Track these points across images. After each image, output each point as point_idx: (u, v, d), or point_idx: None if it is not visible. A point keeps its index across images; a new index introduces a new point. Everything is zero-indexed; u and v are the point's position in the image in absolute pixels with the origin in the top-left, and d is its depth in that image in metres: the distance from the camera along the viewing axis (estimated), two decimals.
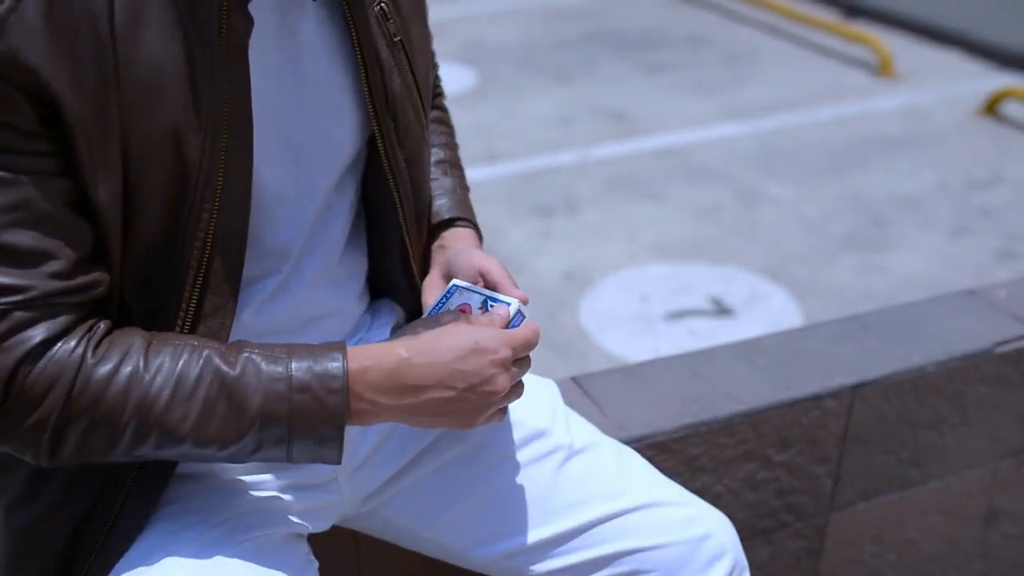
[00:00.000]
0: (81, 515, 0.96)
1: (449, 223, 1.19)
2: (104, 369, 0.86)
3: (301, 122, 0.97)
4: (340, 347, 0.92)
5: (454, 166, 1.26)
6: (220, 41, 0.88)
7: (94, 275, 0.88)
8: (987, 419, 1.71)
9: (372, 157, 1.07)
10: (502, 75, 5.59)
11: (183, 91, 0.86)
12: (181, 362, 0.88)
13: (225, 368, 0.88)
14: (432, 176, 1.23)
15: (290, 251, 1.01)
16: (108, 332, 0.89)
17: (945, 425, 1.67)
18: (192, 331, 0.93)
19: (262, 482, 1.06)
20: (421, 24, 1.08)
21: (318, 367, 0.89)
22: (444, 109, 1.31)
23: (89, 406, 0.85)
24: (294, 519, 1.07)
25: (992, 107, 5.02)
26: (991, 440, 1.73)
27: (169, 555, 0.95)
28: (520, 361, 0.97)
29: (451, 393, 0.93)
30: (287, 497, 1.07)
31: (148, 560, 0.95)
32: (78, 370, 0.85)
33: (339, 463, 0.93)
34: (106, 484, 0.96)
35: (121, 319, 0.93)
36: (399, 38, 1.02)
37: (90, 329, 0.88)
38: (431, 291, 1.13)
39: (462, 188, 1.25)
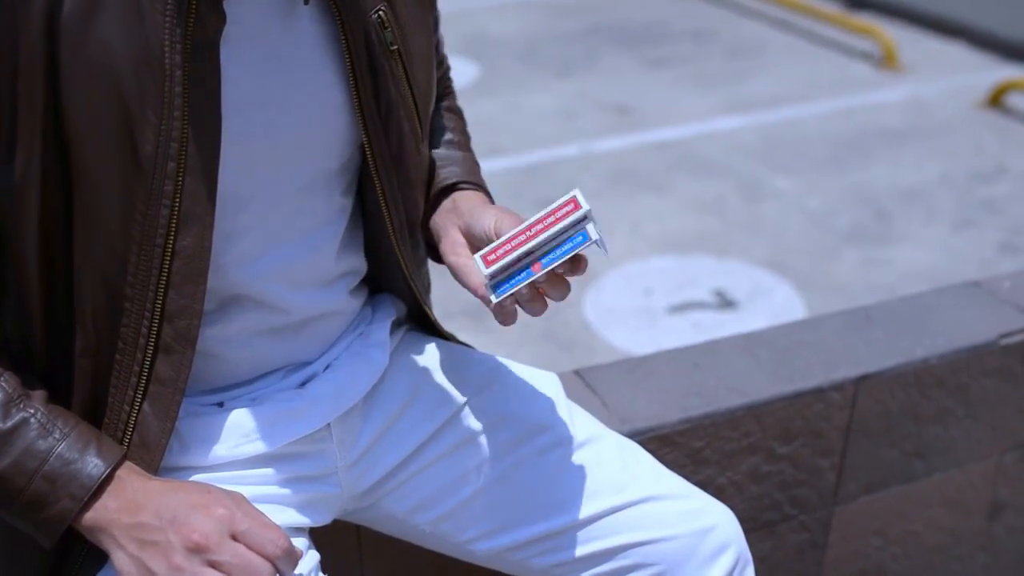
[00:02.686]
0: None
1: (454, 187, 1.16)
2: None
3: (283, 123, 0.96)
4: (115, 456, 0.90)
5: (465, 147, 1.24)
6: (187, 35, 0.86)
7: None
8: (991, 411, 1.70)
9: (365, 162, 1.05)
10: (505, 69, 5.58)
11: (137, 81, 0.85)
12: None
13: None
14: (439, 152, 1.20)
15: (279, 256, 1.00)
16: None
17: (949, 418, 1.66)
18: (159, 333, 0.92)
19: (261, 475, 1.05)
20: (424, 35, 1.06)
21: (76, 465, 0.89)
22: (456, 102, 1.30)
23: None
24: (294, 512, 1.06)
25: (996, 99, 5.00)
26: (995, 433, 1.73)
27: None
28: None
29: (141, 531, 0.89)
30: (286, 490, 1.06)
31: None
32: None
33: (48, 547, 0.92)
34: None
35: (73, 324, 0.93)
36: (396, 47, 1.00)
37: None
38: (456, 253, 1.07)
39: (473, 162, 1.22)
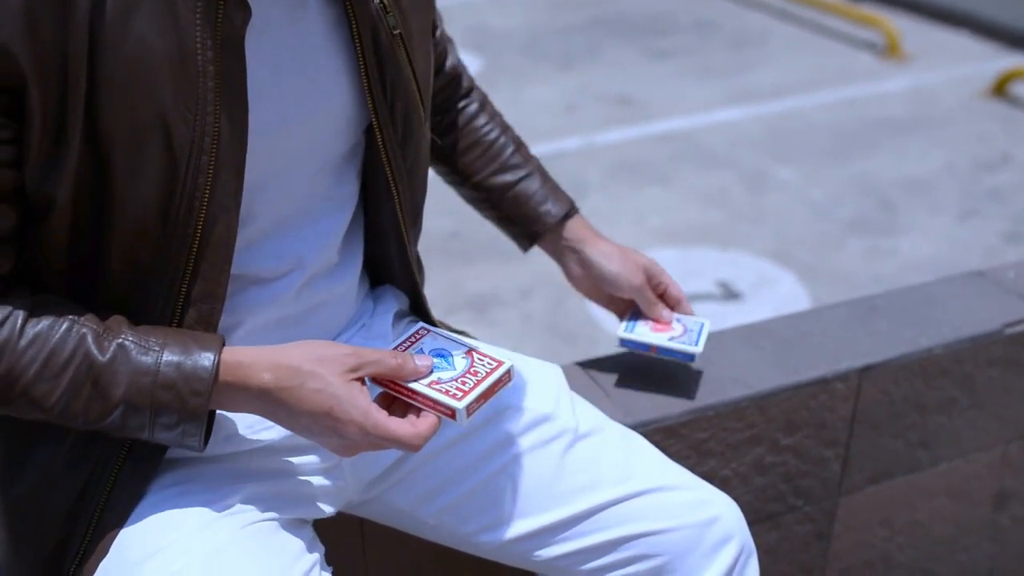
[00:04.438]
0: (74, 494, 0.97)
1: (564, 220, 1.37)
2: None
3: (298, 111, 0.98)
4: (216, 344, 0.92)
5: (529, 159, 1.38)
6: (216, 31, 0.88)
7: None
8: (996, 401, 1.70)
9: (370, 147, 1.07)
10: (507, 61, 5.57)
11: (173, 79, 0.87)
12: (56, 337, 0.89)
13: (95, 352, 0.90)
14: (512, 162, 1.35)
15: (286, 239, 1.01)
16: None
17: (954, 407, 1.66)
18: (183, 316, 0.95)
19: (266, 466, 1.06)
20: (422, 18, 1.09)
21: (187, 364, 0.90)
22: (482, 92, 1.39)
23: None
24: (298, 504, 1.07)
25: (1000, 88, 4.99)
26: (1000, 422, 1.73)
27: (171, 540, 0.95)
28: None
29: (305, 432, 0.94)
30: (291, 482, 1.07)
31: (149, 544, 0.95)
32: None
33: (202, 451, 0.95)
34: (96, 464, 0.97)
35: (108, 302, 0.94)
36: (398, 31, 1.02)
37: None
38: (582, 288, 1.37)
39: (545, 177, 1.38)
